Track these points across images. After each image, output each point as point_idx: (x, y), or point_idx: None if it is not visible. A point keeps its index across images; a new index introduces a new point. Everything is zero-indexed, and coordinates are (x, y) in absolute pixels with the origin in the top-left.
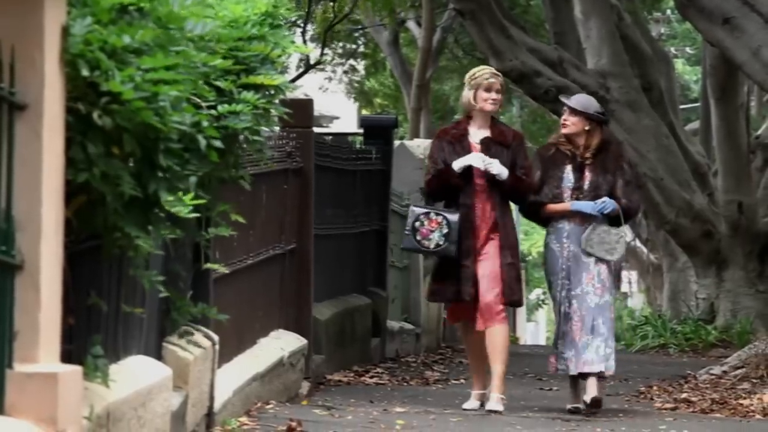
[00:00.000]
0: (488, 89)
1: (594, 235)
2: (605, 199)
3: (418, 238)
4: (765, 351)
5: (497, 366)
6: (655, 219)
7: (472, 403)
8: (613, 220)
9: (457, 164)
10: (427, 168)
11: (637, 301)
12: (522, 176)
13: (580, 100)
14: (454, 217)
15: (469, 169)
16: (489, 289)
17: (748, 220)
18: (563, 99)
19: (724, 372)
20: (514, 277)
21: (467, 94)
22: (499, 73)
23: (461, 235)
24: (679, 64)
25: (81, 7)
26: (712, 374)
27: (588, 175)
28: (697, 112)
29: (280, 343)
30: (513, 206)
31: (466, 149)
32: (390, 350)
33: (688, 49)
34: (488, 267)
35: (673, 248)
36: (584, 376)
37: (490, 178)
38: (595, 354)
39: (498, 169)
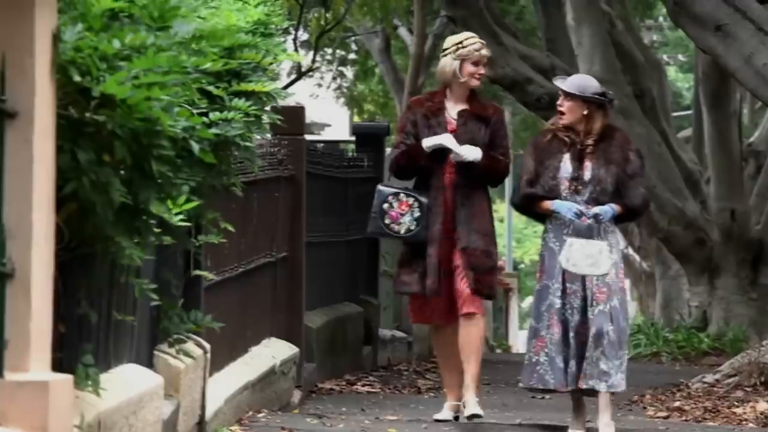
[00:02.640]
0: (477, 63)
1: (573, 252)
2: (599, 209)
3: (387, 221)
4: (758, 359)
5: (471, 369)
6: (648, 227)
7: (445, 414)
8: (617, 218)
9: (427, 143)
10: (395, 142)
11: (629, 309)
12: (499, 157)
13: (574, 82)
14: (426, 199)
15: (441, 148)
16: (462, 279)
17: (741, 228)
18: (557, 82)
19: (717, 380)
20: (486, 266)
21: (450, 63)
22: (485, 43)
23: (429, 219)
24: (672, 72)
25: (72, 13)
26: (704, 382)
27: (588, 164)
28: (690, 119)
29: (272, 352)
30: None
31: (442, 125)
32: (382, 358)
33: (680, 57)
34: (458, 255)
35: (665, 256)
36: (584, 392)
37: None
38: (594, 369)
39: (473, 155)
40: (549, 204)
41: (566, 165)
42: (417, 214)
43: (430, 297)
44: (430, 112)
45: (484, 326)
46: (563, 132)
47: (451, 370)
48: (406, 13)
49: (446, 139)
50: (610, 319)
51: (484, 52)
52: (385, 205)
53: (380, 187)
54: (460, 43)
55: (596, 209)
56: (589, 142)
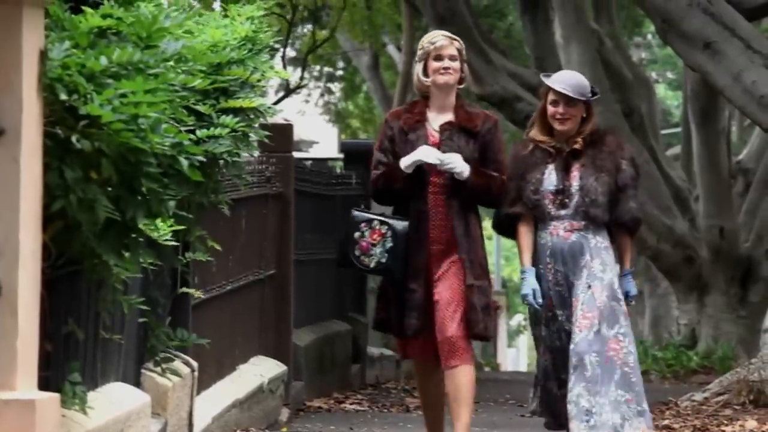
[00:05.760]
0: (439, 57)
1: None
2: (631, 289)
3: (357, 253)
4: (747, 377)
5: (462, 418)
6: (636, 244)
7: None
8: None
9: (405, 162)
10: (374, 162)
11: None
12: (492, 173)
13: (576, 85)
14: (402, 227)
15: (421, 166)
16: (449, 319)
17: (730, 246)
18: (554, 85)
19: (706, 398)
20: (482, 303)
21: (416, 69)
22: (456, 38)
23: (410, 250)
24: (661, 89)
25: (59, 31)
26: (693, 401)
27: (576, 174)
28: (679, 136)
29: (260, 370)
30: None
31: (422, 140)
32: (370, 376)
33: (669, 74)
34: (447, 291)
35: (654, 274)
36: None
37: (450, 175)
38: (574, 407)
39: (461, 166)
40: (524, 261)
41: (550, 176)
42: (389, 244)
43: (412, 337)
44: (409, 126)
45: (473, 372)
46: (547, 142)
47: (435, 413)
48: (395, 30)
49: (424, 153)
50: (594, 347)
51: (441, 41)
52: (357, 234)
53: (354, 212)
54: (421, 43)
55: (628, 289)
56: (577, 146)
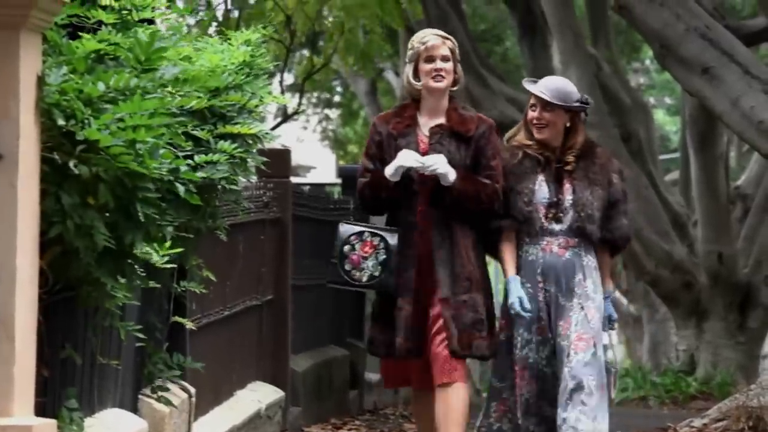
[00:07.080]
0: (430, 58)
1: None
2: (613, 313)
3: (347, 267)
4: (746, 403)
5: None
6: (635, 270)
7: None
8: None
9: (389, 170)
10: (361, 169)
11: (616, 353)
12: (483, 180)
13: (554, 89)
14: (395, 239)
15: (409, 173)
16: (435, 334)
17: (729, 271)
18: (530, 87)
19: (705, 424)
20: (470, 319)
21: (406, 71)
22: (448, 36)
23: (398, 263)
24: (659, 114)
25: (57, 56)
26: (692, 427)
27: (569, 186)
28: (677, 162)
29: (258, 395)
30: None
31: (412, 146)
32: (368, 402)
33: (667, 99)
34: (435, 306)
35: (653, 299)
36: None
37: (437, 182)
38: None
39: (443, 167)
40: (508, 271)
41: (542, 188)
42: (382, 257)
43: (400, 358)
44: (398, 131)
45: (467, 395)
46: (536, 149)
47: None
48: (391, 56)
49: (403, 158)
50: (591, 370)
51: (432, 41)
52: (347, 248)
53: (341, 225)
54: (411, 43)
55: (610, 312)
56: (570, 159)
